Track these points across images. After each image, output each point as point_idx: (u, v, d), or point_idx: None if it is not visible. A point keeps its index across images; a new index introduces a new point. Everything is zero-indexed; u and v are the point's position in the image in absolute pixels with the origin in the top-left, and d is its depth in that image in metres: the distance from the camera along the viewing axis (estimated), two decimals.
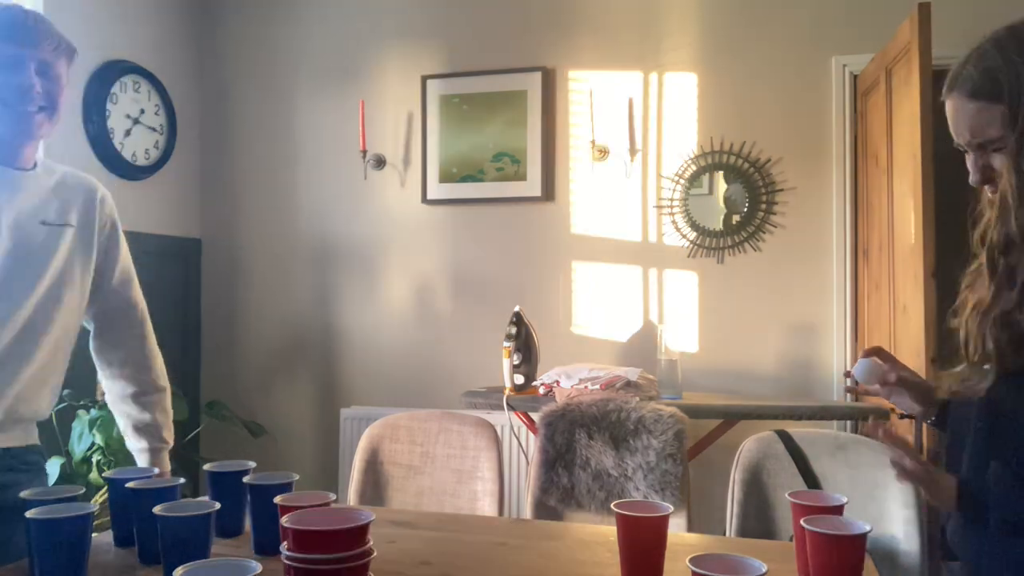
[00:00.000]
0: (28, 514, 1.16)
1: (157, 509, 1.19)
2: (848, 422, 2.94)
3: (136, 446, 1.67)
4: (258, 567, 0.97)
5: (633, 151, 3.27)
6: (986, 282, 1.08)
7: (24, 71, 1.47)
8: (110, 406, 1.70)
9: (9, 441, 1.49)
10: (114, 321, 1.66)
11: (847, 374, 1.39)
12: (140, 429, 1.66)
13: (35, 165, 1.56)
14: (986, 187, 1.13)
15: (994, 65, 1.06)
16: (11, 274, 1.47)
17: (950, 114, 1.13)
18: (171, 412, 1.72)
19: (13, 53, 1.46)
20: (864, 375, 1.32)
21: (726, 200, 3.18)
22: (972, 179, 1.13)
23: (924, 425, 2.16)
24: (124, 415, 1.67)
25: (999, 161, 1.09)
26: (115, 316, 1.66)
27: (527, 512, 2.09)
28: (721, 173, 3.18)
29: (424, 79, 3.46)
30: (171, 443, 1.70)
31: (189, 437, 3.33)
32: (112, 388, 1.68)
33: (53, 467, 2.56)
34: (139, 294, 1.72)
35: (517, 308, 2.77)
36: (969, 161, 1.12)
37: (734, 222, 3.16)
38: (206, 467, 1.44)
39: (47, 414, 1.59)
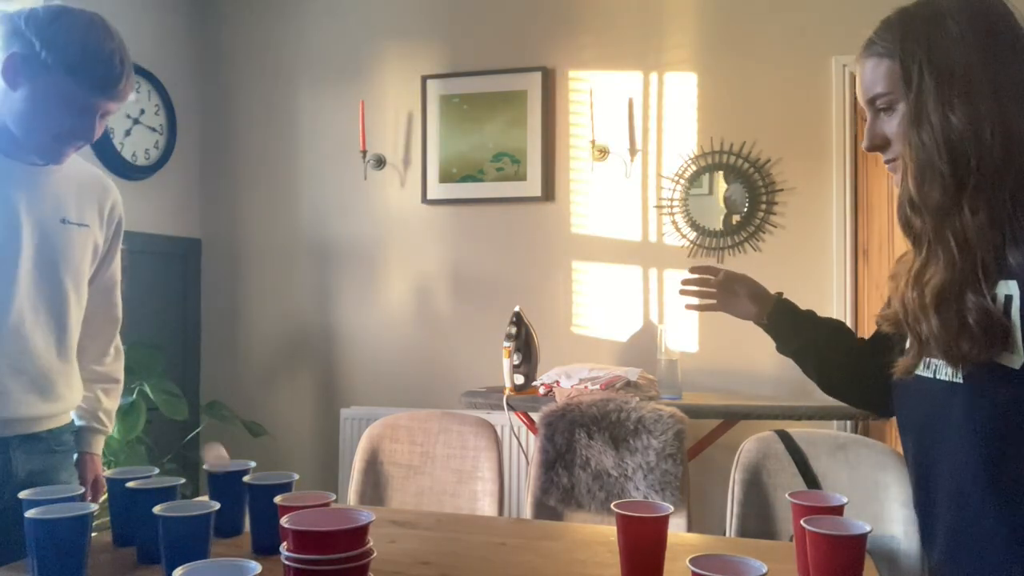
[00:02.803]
0: (28, 514, 1.16)
1: (157, 509, 1.19)
2: (848, 422, 2.94)
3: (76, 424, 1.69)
4: (258, 567, 0.97)
5: (633, 151, 3.27)
6: (911, 251, 1.06)
7: (89, 118, 1.45)
8: None
9: (50, 424, 1.55)
10: (92, 319, 1.67)
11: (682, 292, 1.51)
12: (86, 410, 1.69)
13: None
14: (882, 157, 1.11)
15: (891, 24, 1.06)
16: (41, 274, 1.49)
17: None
18: (116, 405, 1.77)
19: (88, 101, 1.42)
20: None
21: (726, 200, 3.18)
22: (864, 144, 1.11)
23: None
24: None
25: (890, 127, 1.07)
26: (94, 315, 1.67)
27: (527, 512, 2.09)
28: (721, 173, 3.18)
29: (424, 79, 3.46)
30: (110, 429, 1.74)
31: (189, 437, 3.33)
32: None
33: None
34: (120, 301, 1.76)
35: (517, 308, 2.77)
36: (866, 126, 1.11)
37: (734, 222, 3.16)
38: (206, 467, 1.44)
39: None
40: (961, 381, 1.01)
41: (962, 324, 0.97)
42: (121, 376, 1.77)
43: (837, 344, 1.36)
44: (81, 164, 1.64)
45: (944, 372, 1.04)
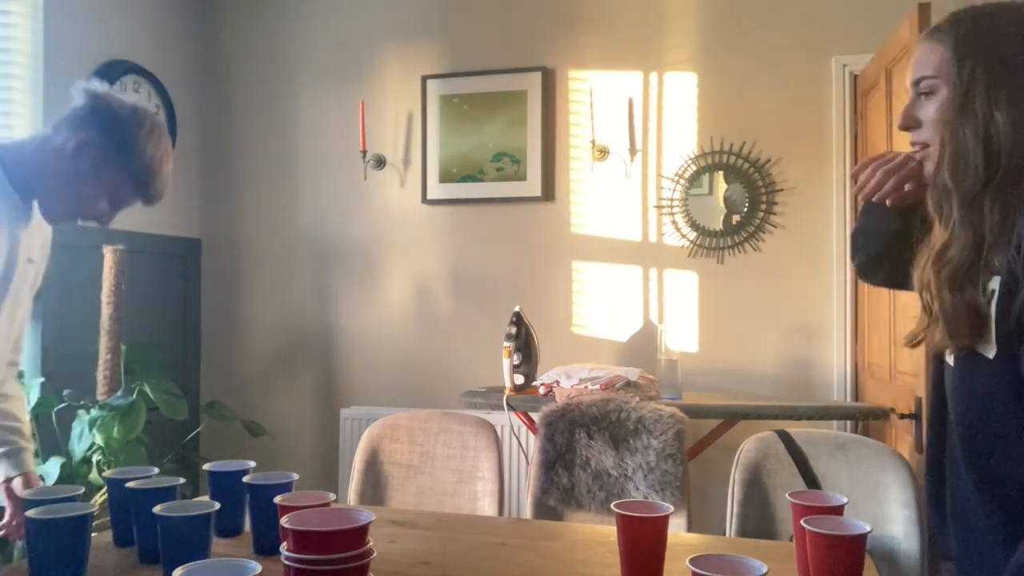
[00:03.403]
0: (28, 514, 1.16)
1: (157, 509, 1.19)
2: (848, 422, 2.95)
3: None
4: (258, 567, 0.97)
5: (633, 151, 3.27)
6: (938, 230, 1.10)
7: (119, 210, 1.54)
8: None
9: None
10: None
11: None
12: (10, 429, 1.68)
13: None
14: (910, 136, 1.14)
15: (958, 17, 1.09)
16: (7, 309, 1.54)
17: None
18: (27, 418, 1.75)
19: (130, 201, 1.53)
20: None
21: (726, 200, 3.18)
22: (897, 122, 1.15)
23: (924, 423, 2.16)
24: None
25: (926, 112, 1.10)
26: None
27: (527, 512, 2.09)
28: (721, 173, 3.18)
29: (424, 79, 3.46)
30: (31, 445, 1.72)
31: (189, 437, 3.33)
32: None
33: (53, 467, 2.56)
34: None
35: (517, 308, 2.77)
36: (905, 105, 1.14)
37: (734, 222, 3.16)
38: (206, 467, 1.44)
39: None
40: (952, 364, 1.09)
41: (966, 307, 1.03)
42: (19, 391, 1.75)
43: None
44: None
45: (949, 356, 1.11)
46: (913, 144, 1.14)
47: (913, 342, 1.15)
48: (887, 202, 1.23)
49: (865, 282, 1.46)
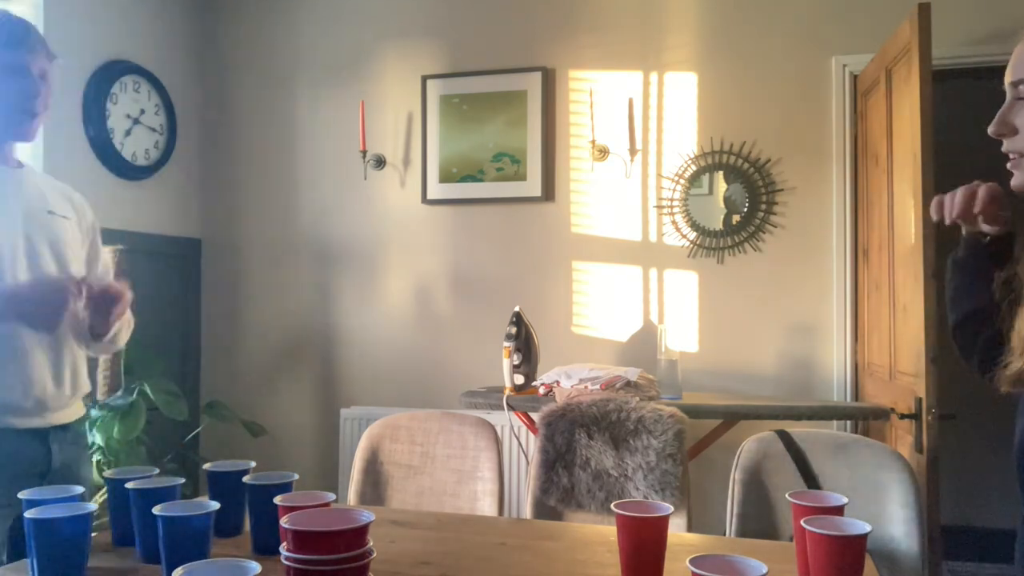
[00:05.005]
0: (28, 514, 1.16)
1: (157, 509, 1.19)
2: (848, 422, 2.95)
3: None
4: (258, 567, 0.97)
5: (633, 151, 3.27)
6: None
7: (29, 76, 1.57)
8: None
9: (75, 415, 1.66)
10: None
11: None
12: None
13: (20, 164, 1.67)
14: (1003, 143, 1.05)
15: None
16: (40, 260, 1.58)
17: None
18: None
19: (17, 59, 1.56)
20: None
21: (726, 200, 3.18)
22: (991, 128, 1.06)
23: (925, 423, 2.16)
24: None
25: (1021, 119, 1.02)
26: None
27: (527, 512, 2.09)
28: (721, 173, 3.18)
29: (424, 79, 3.46)
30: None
31: (189, 437, 3.33)
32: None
33: None
34: None
35: (517, 308, 2.77)
36: (1000, 110, 1.05)
37: (734, 222, 3.16)
38: (206, 467, 1.44)
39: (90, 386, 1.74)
40: None
41: None
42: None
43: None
44: (41, 173, 1.79)
45: None
46: (1008, 152, 1.05)
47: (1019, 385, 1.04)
48: (976, 221, 1.13)
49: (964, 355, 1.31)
